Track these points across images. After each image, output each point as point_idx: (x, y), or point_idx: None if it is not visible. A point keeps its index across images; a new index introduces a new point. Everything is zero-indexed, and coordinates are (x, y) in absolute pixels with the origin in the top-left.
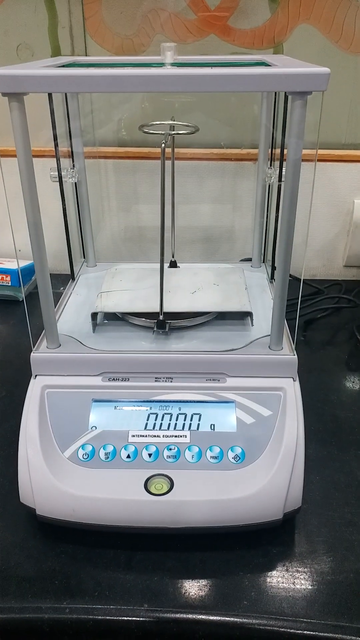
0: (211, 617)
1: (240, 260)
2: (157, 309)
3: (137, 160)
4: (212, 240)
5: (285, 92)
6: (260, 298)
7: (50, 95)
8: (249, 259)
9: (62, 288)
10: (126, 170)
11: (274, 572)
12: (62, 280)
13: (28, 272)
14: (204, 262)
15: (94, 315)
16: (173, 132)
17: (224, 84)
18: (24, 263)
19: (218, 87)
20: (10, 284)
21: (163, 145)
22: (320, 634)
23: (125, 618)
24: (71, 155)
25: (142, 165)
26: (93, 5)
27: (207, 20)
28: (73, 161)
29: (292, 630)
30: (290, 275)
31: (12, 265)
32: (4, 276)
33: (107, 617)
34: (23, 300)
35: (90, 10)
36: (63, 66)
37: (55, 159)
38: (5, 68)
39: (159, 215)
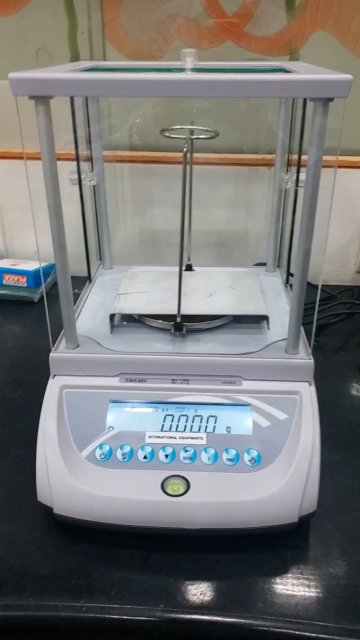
0: (226, 619)
1: (254, 265)
2: (174, 311)
3: (152, 164)
4: (225, 244)
5: (306, 99)
6: (275, 302)
7: (71, 98)
8: (263, 264)
9: (77, 290)
10: (142, 174)
11: (288, 575)
12: (78, 283)
13: (45, 273)
14: (218, 266)
15: (112, 317)
16: (194, 137)
17: (247, 90)
18: (38, 265)
19: (241, 93)
20: (26, 285)
21: (185, 149)
22: (336, 637)
23: (141, 618)
24: (90, 158)
25: (157, 169)
26: (112, 11)
27: (223, 26)
28: (92, 164)
29: (307, 634)
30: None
31: (27, 266)
32: (20, 277)
33: (124, 617)
34: (43, 298)
35: (109, 16)
36: (86, 71)
37: (74, 162)
38: (33, 72)
39: (173, 218)
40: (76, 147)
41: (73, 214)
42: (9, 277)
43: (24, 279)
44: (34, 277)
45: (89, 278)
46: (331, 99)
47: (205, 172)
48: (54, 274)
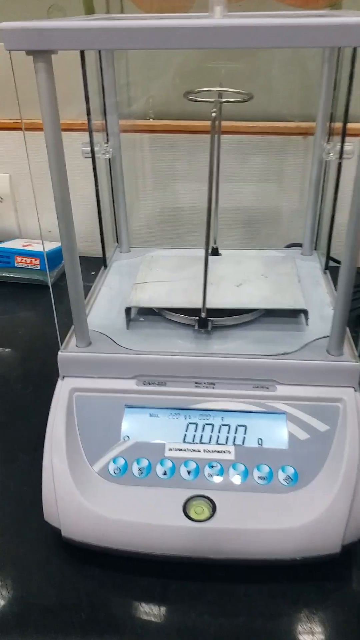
0: None
1: (286, 247)
2: (199, 304)
3: (174, 134)
4: (255, 223)
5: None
6: (314, 292)
7: (82, 56)
8: (297, 245)
9: (93, 272)
10: (163, 145)
11: (329, 612)
12: (95, 264)
13: (57, 255)
14: (248, 249)
15: (128, 311)
16: (224, 100)
17: (292, 37)
18: (53, 245)
19: (284, 41)
20: (39, 268)
21: (214, 114)
22: None
23: None
24: (105, 129)
25: (180, 140)
26: None
27: None
28: (107, 135)
29: None
30: (336, 260)
31: (41, 247)
32: (33, 259)
33: None
34: (53, 285)
35: None
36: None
37: (87, 133)
38: (31, 22)
39: (197, 195)
40: (88, 115)
41: (88, 190)
42: (21, 259)
43: (37, 261)
44: (48, 259)
45: (104, 263)
46: None
47: (233, 143)
48: None
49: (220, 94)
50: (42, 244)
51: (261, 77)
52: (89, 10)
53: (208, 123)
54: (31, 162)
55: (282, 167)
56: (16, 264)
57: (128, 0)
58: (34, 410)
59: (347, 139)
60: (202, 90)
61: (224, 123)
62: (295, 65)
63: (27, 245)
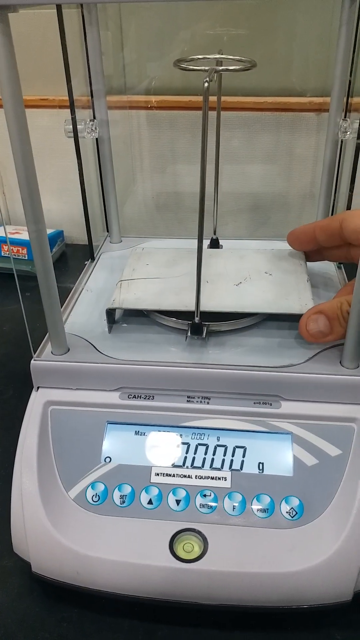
0: None
1: None
2: (186, 306)
3: (174, 111)
4: (260, 210)
5: None
6: (326, 292)
7: (60, 11)
8: None
9: (86, 262)
10: (161, 123)
11: None
12: (84, 254)
13: (50, 241)
14: (253, 239)
15: (110, 313)
16: (220, 68)
17: None
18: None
19: None
20: (26, 258)
21: (206, 84)
22: None
23: None
24: (91, 104)
25: (180, 118)
26: None
27: None
28: (94, 112)
29: None
30: None
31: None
32: (20, 248)
33: None
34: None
35: None
36: None
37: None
38: None
39: (198, 178)
40: (69, 89)
41: (76, 174)
42: (8, 248)
43: (25, 250)
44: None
45: (91, 255)
46: None
47: (238, 120)
48: (60, 244)
49: (218, 62)
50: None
51: (268, 46)
52: None
53: (211, 99)
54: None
55: (292, 147)
56: (2, 253)
57: None
58: (15, 417)
59: None
60: (196, 58)
61: (227, 98)
62: (307, 31)
63: (14, 233)
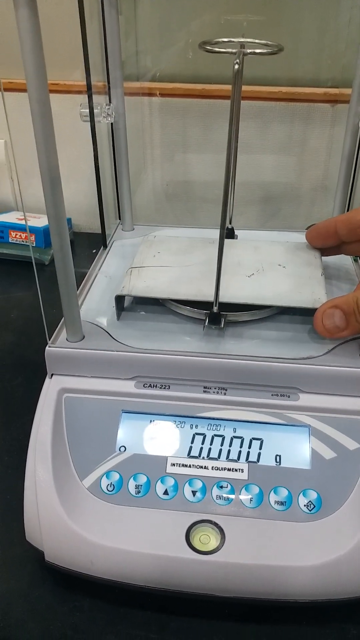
0: None
1: (307, 228)
2: (204, 296)
3: (187, 99)
4: (273, 200)
5: None
6: (341, 285)
7: None
8: None
9: (94, 251)
10: (175, 111)
11: None
12: (96, 242)
13: None
14: (265, 230)
15: (120, 300)
16: (249, 51)
17: None
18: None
19: None
20: (35, 245)
21: (237, 66)
22: None
23: None
24: (107, 89)
25: (194, 105)
26: None
27: None
28: (110, 97)
29: None
30: None
31: (38, 222)
32: (29, 235)
33: None
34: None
35: None
36: None
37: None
38: None
39: (212, 167)
40: (87, 71)
41: (90, 159)
42: (16, 234)
43: (33, 237)
44: (45, 235)
45: (103, 243)
46: None
47: (253, 110)
48: (70, 231)
49: (242, 45)
50: (25, 219)
51: (287, 35)
52: None
53: (225, 87)
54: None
55: (305, 138)
56: (10, 240)
57: None
58: (24, 405)
59: None
60: (221, 41)
61: (244, 87)
62: (327, 20)
63: (21, 219)
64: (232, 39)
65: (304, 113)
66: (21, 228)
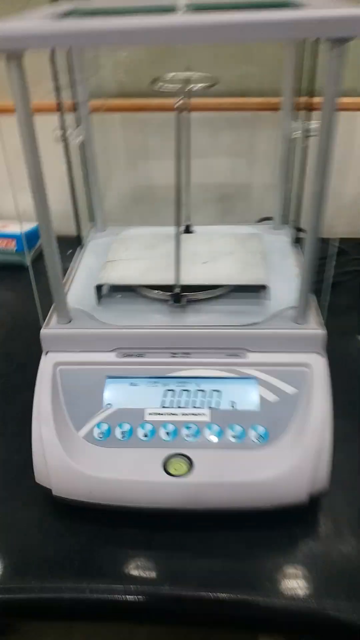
0: (232, 598)
1: (260, 220)
2: (167, 281)
3: (145, 113)
4: (228, 199)
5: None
6: (283, 265)
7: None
8: (268, 218)
9: (69, 252)
10: (134, 123)
11: (298, 554)
12: (71, 243)
13: (34, 235)
14: (222, 224)
15: (99, 288)
16: (190, 86)
17: (250, 33)
18: (29, 226)
19: (243, 37)
20: (15, 250)
21: (179, 102)
22: (343, 614)
23: (146, 598)
24: (75, 110)
25: (152, 118)
26: None
27: None
28: (78, 119)
29: (314, 613)
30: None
31: (17, 228)
32: (9, 241)
33: (128, 598)
34: (30, 266)
35: None
36: (64, 15)
37: (57, 115)
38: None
39: (171, 172)
40: (59, 103)
41: (61, 169)
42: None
43: (13, 243)
44: (24, 240)
45: (79, 242)
46: (349, 39)
47: (204, 119)
48: None
49: (187, 79)
50: (20, 220)
51: (231, 52)
52: None
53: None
54: (8, 143)
55: (253, 142)
56: None
57: None
58: (20, 385)
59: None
60: (167, 79)
61: (194, 100)
62: (260, 43)
63: (3, 227)
64: (177, 73)
65: (250, 120)
66: (1, 235)
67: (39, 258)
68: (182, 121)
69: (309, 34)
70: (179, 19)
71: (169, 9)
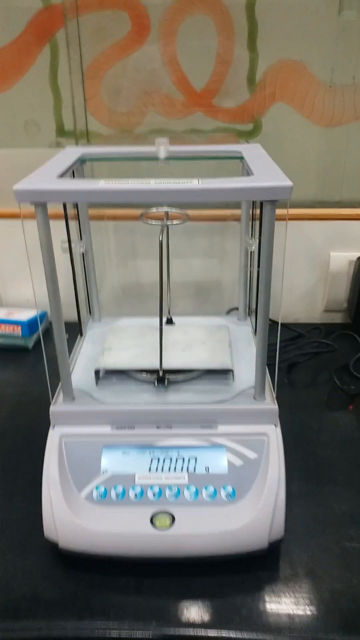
0: (209, 632)
1: (229, 311)
2: (155, 366)
3: (135, 222)
4: (202, 292)
5: None
6: (247, 351)
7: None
8: (236, 309)
9: (66, 335)
10: (125, 230)
11: (262, 593)
12: (68, 328)
13: (35, 322)
14: (195, 316)
15: (97, 372)
16: (168, 222)
17: (208, 196)
18: (31, 314)
19: (204, 198)
20: (20, 335)
21: (160, 239)
22: None
23: (138, 633)
24: (79, 230)
25: (139, 225)
26: (93, 88)
27: (193, 100)
28: (80, 235)
29: None
30: (273, 321)
31: (21, 315)
32: (15, 327)
33: (122, 634)
34: (40, 344)
35: (90, 92)
36: (76, 161)
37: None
38: (33, 181)
39: (156, 270)
40: (66, 221)
41: (63, 268)
42: (5, 327)
43: (19, 328)
44: (28, 326)
45: (80, 332)
46: (277, 200)
47: (182, 227)
48: (45, 322)
49: (166, 214)
50: (36, 307)
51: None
52: (60, 126)
53: (162, 213)
54: (14, 245)
55: (223, 246)
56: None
57: (92, 116)
58: (27, 455)
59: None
60: (152, 211)
61: (172, 214)
62: (224, 170)
63: (9, 314)
64: (159, 209)
65: (219, 229)
66: (8, 322)
67: (38, 343)
68: (162, 256)
69: (249, 197)
70: (159, 186)
71: (153, 158)
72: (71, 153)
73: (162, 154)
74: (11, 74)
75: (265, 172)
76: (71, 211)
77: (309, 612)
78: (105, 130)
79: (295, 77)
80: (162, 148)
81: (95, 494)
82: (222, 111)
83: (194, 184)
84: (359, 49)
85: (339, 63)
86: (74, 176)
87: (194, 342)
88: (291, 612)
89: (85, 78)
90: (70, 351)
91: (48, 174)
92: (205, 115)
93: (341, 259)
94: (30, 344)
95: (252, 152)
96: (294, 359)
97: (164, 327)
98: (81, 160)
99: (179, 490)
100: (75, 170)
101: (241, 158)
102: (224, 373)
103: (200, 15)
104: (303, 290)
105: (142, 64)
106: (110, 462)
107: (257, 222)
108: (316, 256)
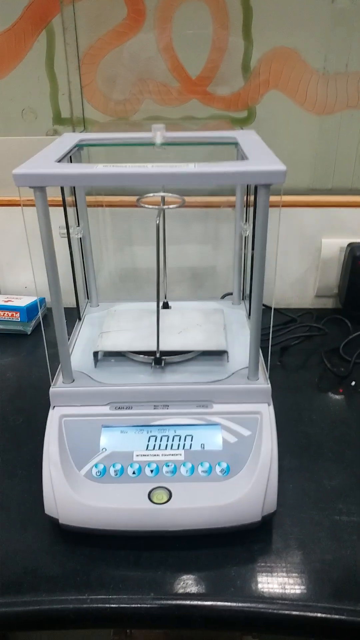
0: (205, 603)
1: (224, 295)
2: (153, 348)
3: (131, 208)
4: (198, 277)
5: None
6: (241, 334)
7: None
8: (230, 294)
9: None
10: (122, 216)
11: (255, 565)
12: (67, 313)
13: (33, 308)
14: (192, 300)
15: (95, 354)
16: (164, 207)
17: (204, 180)
18: (29, 300)
19: (200, 182)
20: (19, 320)
21: (157, 222)
22: (293, 612)
23: (136, 605)
24: (76, 215)
25: (136, 212)
26: (89, 75)
27: (189, 87)
28: (78, 220)
29: (270, 610)
30: (266, 306)
31: (20, 302)
32: (14, 313)
33: (121, 605)
34: (40, 329)
35: (87, 79)
36: (74, 147)
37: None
38: (31, 166)
39: (152, 256)
40: (64, 207)
41: (62, 255)
42: (4, 313)
43: (17, 314)
44: (27, 312)
45: (78, 316)
46: (271, 184)
47: (178, 213)
48: (43, 308)
49: (163, 198)
50: (36, 293)
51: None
52: (57, 113)
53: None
54: (12, 232)
55: (218, 232)
56: None
57: (88, 103)
58: (28, 436)
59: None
60: (149, 196)
61: (168, 199)
62: (221, 155)
63: (7, 301)
64: (156, 194)
65: (215, 215)
66: (7, 308)
67: (37, 328)
68: (159, 239)
69: (244, 181)
70: (155, 170)
71: (151, 144)
72: (69, 139)
73: (159, 139)
74: (7, 61)
75: (259, 157)
76: (69, 198)
77: (300, 582)
78: (101, 118)
79: (289, 64)
80: (158, 134)
81: (94, 471)
82: (217, 98)
83: (190, 167)
84: (352, 37)
85: (333, 51)
86: (71, 162)
87: (190, 324)
88: (284, 582)
89: (82, 64)
90: (69, 335)
91: (47, 158)
92: (201, 102)
93: (332, 245)
94: (28, 329)
95: (247, 138)
96: (286, 342)
97: (162, 310)
98: (79, 146)
99: (175, 466)
100: (72, 156)
101: (236, 144)
102: (219, 354)
103: (195, 2)
104: (295, 276)
105: (138, 50)
106: (109, 441)
107: (252, 209)
108: (308, 243)
